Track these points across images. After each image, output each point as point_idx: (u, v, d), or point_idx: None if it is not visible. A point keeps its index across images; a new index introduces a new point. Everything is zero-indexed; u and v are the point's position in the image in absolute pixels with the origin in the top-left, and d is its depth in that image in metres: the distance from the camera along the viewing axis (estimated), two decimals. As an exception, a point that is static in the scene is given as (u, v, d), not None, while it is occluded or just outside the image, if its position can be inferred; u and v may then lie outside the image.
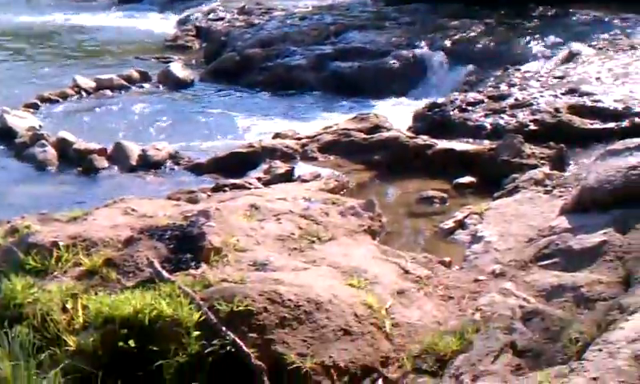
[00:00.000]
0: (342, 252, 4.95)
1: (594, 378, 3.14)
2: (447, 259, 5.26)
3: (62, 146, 8.55)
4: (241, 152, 8.28)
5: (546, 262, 4.80)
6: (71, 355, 3.64)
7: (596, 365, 3.22)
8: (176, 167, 8.22)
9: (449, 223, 6.18)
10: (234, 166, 8.00)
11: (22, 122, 9.35)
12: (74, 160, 8.34)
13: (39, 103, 10.69)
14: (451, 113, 8.94)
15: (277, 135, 8.83)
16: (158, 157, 8.28)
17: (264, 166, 7.79)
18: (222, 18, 16.43)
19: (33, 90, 11.33)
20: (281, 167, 7.67)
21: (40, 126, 9.24)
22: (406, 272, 4.78)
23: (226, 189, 7.04)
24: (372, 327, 4.00)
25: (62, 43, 16.02)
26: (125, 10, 20.14)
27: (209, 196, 6.76)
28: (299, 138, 8.56)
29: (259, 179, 7.41)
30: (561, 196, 5.94)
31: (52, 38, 16.54)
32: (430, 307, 4.36)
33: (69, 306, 3.94)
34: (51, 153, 8.42)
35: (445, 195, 6.98)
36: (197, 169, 8.12)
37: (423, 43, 12.19)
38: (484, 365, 3.60)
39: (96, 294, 4.02)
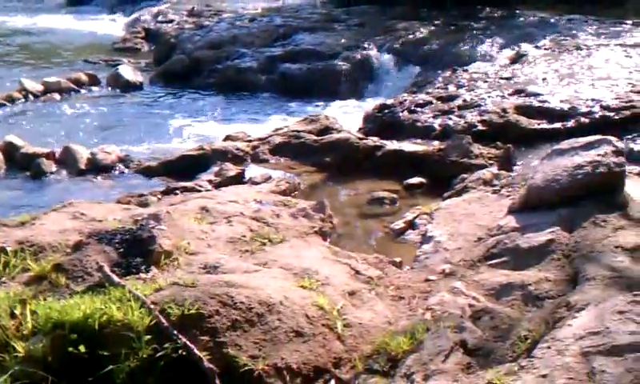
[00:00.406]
0: (294, 254, 4.96)
1: (543, 375, 3.19)
2: (398, 259, 5.29)
3: (9, 149, 8.43)
4: (191, 154, 8.25)
5: (494, 261, 4.85)
6: (20, 361, 3.59)
7: (545, 362, 3.28)
8: (126, 170, 8.16)
9: (399, 224, 6.22)
10: (184, 169, 7.97)
11: (-34, 126, 9.22)
12: (22, 164, 8.23)
13: (-15, 107, 10.57)
14: (400, 114, 9.00)
15: (227, 137, 8.81)
16: (107, 160, 8.21)
17: (215, 169, 7.76)
18: (171, 21, 16.35)
19: (-22, 94, 11.17)
20: (232, 169, 7.65)
21: (-14, 130, 9.10)
22: (357, 273, 4.80)
23: (177, 192, 7.01)
24: (324, 328, 4.01)
25: (9, 45, 15.80)
26: (73, 13, 19.96)
27: (159, 199, 6.73)
28: (250, 140, 8.55)
29: (210, 182, 7.38)
30: (509, 195, 6.02)
31: (-2, 39, 16.33)
32: (382, 307, 4.39)
33: (17, 311, 3.89)
34: (-2, 157, 8.31)
35: (395, 196, 7.03)
36: (147, 172, 8.06)
37: (372, 45, 12.27)
38: (435, 364, 3.63)
39: (45, 299, 3.97)
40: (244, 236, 5.17)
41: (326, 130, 8.60)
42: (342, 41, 12.70)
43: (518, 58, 10.92)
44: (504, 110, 8.66)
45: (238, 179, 7.48)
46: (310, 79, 11.68)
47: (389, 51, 11.99)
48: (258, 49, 12.84)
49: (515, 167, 7.30)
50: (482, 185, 6.62)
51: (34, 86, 11.43)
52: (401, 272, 5.06)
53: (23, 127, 9.73)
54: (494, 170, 7.10)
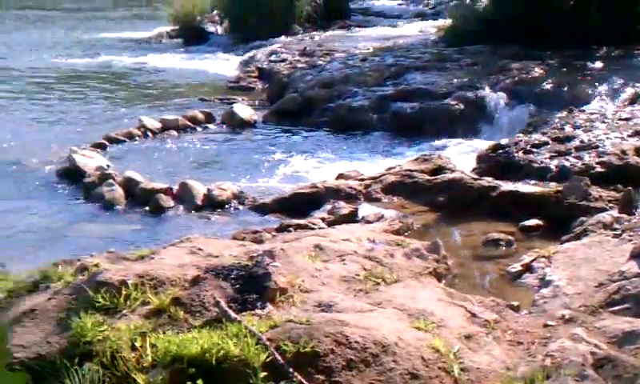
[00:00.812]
0: (408, 294, 4.91)
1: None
2: (515, 303, 5.17)
3: (129, 185, 8.68)
4: (304, 192, 8.31)
5: (616, 308, 4.69)
6: (140, 393, 3.67)
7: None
8: (240, 207, 8.29)
9: (516, 266, 6.09)
10: (297, 206, 8.04)
11: (90, 161, 9.53)
12: (141, 199, 8.46)
13: (107, 143, 10.89)
14: (515, 154, 8.87)
15: (340, 176, 8.85)
16: (222, 196, 8.36)
17: (328, 207, 7.80)
18: (283, 60, 16.60)
19: (100, 130, 11.55)
20: (344, 208, 7.67)
21: (108, 166, 9.39)
22: (474, 315, 4.71)
23: (291, 229, 7.07)
24: (440, 371, 3.94)
25: (129, 84, 16.36)
26: (189, 52, 20.47)
27: (273, 236, 6.79)
28: (362, 179, 8.56)
29: (323, 220, 7.42)
30: (630, 240, 5.82)
31: (119, 79, 16.89)
32: (499, 352, 4.29)
33: (138, 344, 3.97)
34: (119, 192, 8.55)
35: (511, 238, 6.89)
36: (261, 209, 8.17)
37: (485, 84, 12.14)
38: (556, 412, 3.52)
39: (164, 332, 4.05)
40: (357, 275, 5.15)
41: (440, 169, 8.53)
42: (455, 80, 12.62)
43: (637, 99, 10.63)
44: (623, 152, 8.42)
45: (351, 218, 7.49)
46: (422, 118, 11.63)
47: (502, 90, 11.84)
48: (370, 88, 12.89)
49: (636, 211, 7.06)
50: (602, 228, 6.43)
51: (153, 124, 11.76)
52: (518, 316, 4.94)
53: (142, 163, 10.00)
54: (615, 213, 6.89)
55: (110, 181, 8.71)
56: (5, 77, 15.88)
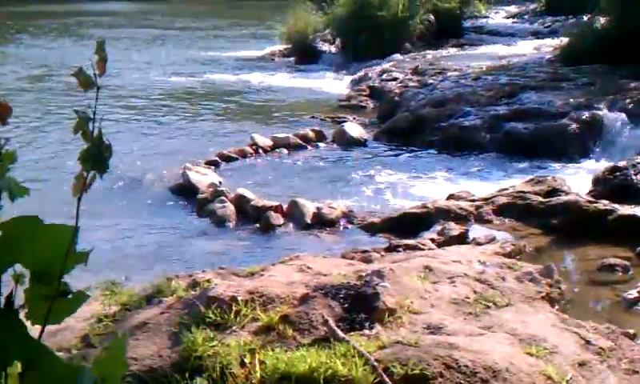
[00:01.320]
0: (519, 319, 4.81)
1: None
2: (631, 331, 5.00)
3: (241, 202, 8.81)
4: (414, 212, 8.26)
5: None
6: (248, 410, 3.70)
7: None
8: (350, 226, 8.29)
9: (632, 293, 5.89)
10: (407, 226, 7.99)
11: (203, 178, 9.72)
12: (252, 216, 8.57)
13: (219, 160, 11.08)
14: (634, 177, 8.59)
15: (451, 196, 8.76)
16: (332, 215, 8.39)
17: (437, 228, 7.73)
18: (395, 79, 16.57)
19: (213, 147, 11.77)
20: (455, 229, 7.58)
21: (220, 183, 9.55)
22: (587, 342, 4.57)
23: (400, 249, 7.03)
24: (552, 399, 3.84)
25: (241, 102, 16.64)
26: (301, 71, 20.70)
27: (382, 256, 6.77)
28: (474, 200, 8.45)
29: (433, 240, 7.35)
30: None
31: (231, 96, 17.20)
32: (614, 381, 4.15)
33: (247, 360, 4.01)
34: (230, 209, 8.68)
35: (627, 263, 6.67)
36: (370, 228, 8.15)
37: (602, 104, 11.80)
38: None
39: (273, 349, 4.08)
40: (467, 298, 5.08)
41: (553, 191, 8.34)
42: (571, 100, 12.32)
43: None
44: None
45: (462, 239, 7.39)
46: (536, 139, 11.39)
47: (621, 111, 11.48)
48: (483, 107, 12.72)
49: None
50: None
51: (264, 141, 11.91)
52: (635, 344, 4.77)
53: (253, 180, 10.14)
54: None
55: (222, 197, 8.86)
56: (121, 95, 16.37)
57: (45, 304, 1.42)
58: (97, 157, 1.48)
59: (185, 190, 9.55)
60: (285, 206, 8.60)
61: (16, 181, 1.48)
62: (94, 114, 1.46)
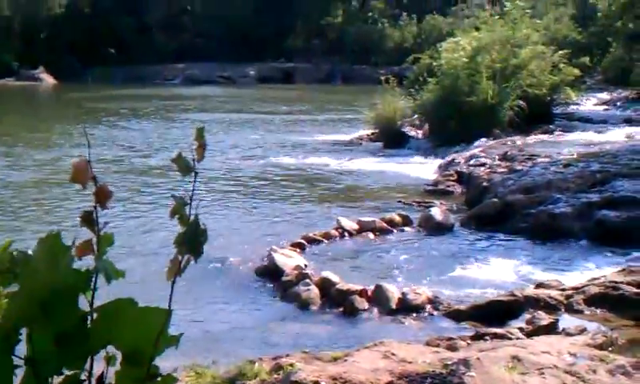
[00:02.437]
0: (613, 415, 4.61)
1: None
2: None
3: (325, 285, 8.78)
4: (501, 300, 8.09)
5: None
6: None
7: None
8: (435, 312, 8.16)
9: None
10: (494, 315, 7.83)
11: (288, 260, 9.74)
12: (336, 300, 8.51)
13: (305, 243, 11.10)
14: None
15: (540, 285, 8.57)
16: (417, 301, 8.28)
17: (526, 316, 7.55)
18: (483, 164, 16.44)
19: (299, 229, 11.82)
20: (544, 318, 7.38)
21: (305, 266, 9.56)
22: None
23: (487, 338, 6.87)
24: None
25: (328, 185, 16.73)
26: (388, 155, 20.78)
27: (469, 344, 6.62)
28: (564, 289, 8.25)
29: (521, 330, 7.17)
30: None
31: (318, 179, 17.33)
32: None
33: None
34: (314, 292, 8.66)
35: None
36: (456, 315, 8.01)
37: (700, 193, 11.47)
38: None
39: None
40: (557, 391, 4.90)
41: (648, 282, 8.08)
42: (665, 188, 12.01)
43: None
44: None
45: (551, 329, 7.19)
46: (629, 228, 11.07)
47: None
48: (573, 194, 12.49)
49: None
50: None
51: (350, 225, 11.90)
52: None
53: (338, 264, 10.11)
54: None
55: (307, 280, 8.86)
56: (209, 176, 16.64)
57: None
58: (192, 241, 1.48)
59: (270, 272, 9.58)
60: (370, 291, 8.53)
61: (113, 264, 1.49)
62: (191, 198, 1.46)
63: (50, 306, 1.51)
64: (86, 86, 49.75)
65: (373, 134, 23.41)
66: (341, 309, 8.37)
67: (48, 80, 54.45)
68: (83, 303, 1.54)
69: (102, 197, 1.69)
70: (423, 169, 18.43)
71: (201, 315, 8.28)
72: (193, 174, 1.73)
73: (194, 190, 1.66)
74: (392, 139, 22.16)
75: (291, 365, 5.03)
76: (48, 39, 59.09)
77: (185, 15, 66.91)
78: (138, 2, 62.43)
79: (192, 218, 1.63)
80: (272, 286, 9.30)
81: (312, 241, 11.27)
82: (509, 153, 16.86)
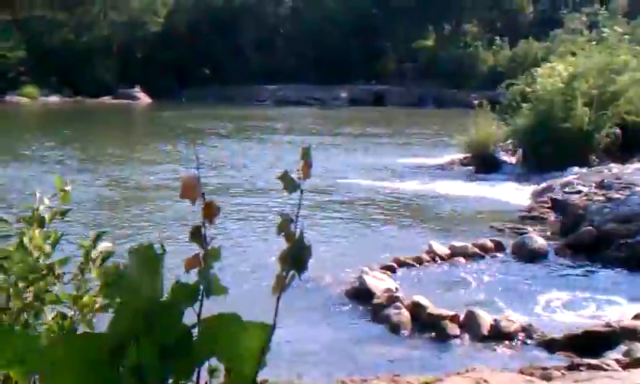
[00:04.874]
0: None
1: None
2: None
3: (416, 309, 8.73)
4: (597, 331, 7.91)
5: None
6: None
7: None
8: (528, 340, 8.02)
9: None
10: (589, 345, 7.65)
11: (379, 283, 9.72)
12: (427, 324, 8.46)
13: (396, 266, 11.06)
14: None
15: (637, 316, 8.34)
16: (509, 328, 8.15)
17: (623, 348, 7.35)
18: (579, 192, 16.12)
19: (390, 253, 11.78)
20: (642, 351, 7.18)
21: (396, 289, 9.53)
22: None
23: (582, 368, 6.72)
24: None
25: (419, 209, 16.64)
26: (480, 180, 20.56)
27: (563, 374, 6.49)
28: (663, 321, 8.00)
29: (617, 362, 6.99)
30: None
31: (409, 203, 17.26)
32: None
33: None
34: (405, 315, 8.63)
35: None
36: (550, 344, 7.85)
37: None
38: None
39: None
40: (656, 426, 4.76)
41: None
42: None
43: None
44: None
45: (649, 362, 6.98)
46: None
47: None
48: (673, 224, 12.14)
49: None
50: None
51: (442, 249, 11.81)
52: None
53: (429, 288, 10.03)
54: None
55: (398, 304, 8.83)
56: (296, 198, 16.74)
57: (235, 398, 1.44)
58: (297, 257, 1.51)
59: (360, 294, 9.58)
60: (461, 316, 8.44)
61: (217, 279, 1.52)
62: (297, 215, 1.49)
63: (155, 319, 1.55)
64: (179, 105, 50.76)
65: (465, 158, 23.20)
66: (432, 334, 8.31)
67: (144, 99, 55.77)
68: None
69: (211, 212, 1.73)
70: (516, 194, 18.17)
71: (291, 333, 8.31)
72: (299, 191, 1.76)
73: (299, 206, 1.69)
74: (484, 164, 21.92)
75: (382, 388, 5.02)
76: (144, 59, 60.56)
77: (277, 37, 67.65)
78: (231, 23, 63.44)
79: (297, 234, 1.65)
80: (362, 307, 9.30)
81: (403, 264, 11.23)
82: (605, 181, 16.48)
